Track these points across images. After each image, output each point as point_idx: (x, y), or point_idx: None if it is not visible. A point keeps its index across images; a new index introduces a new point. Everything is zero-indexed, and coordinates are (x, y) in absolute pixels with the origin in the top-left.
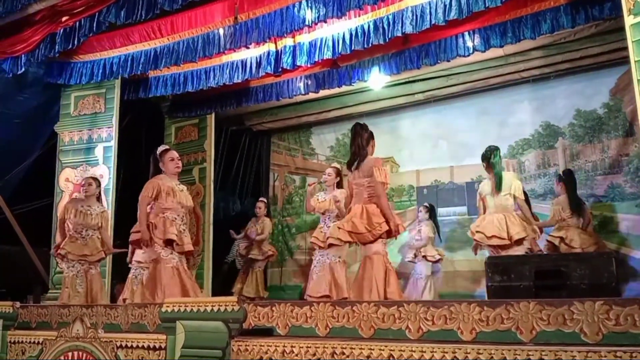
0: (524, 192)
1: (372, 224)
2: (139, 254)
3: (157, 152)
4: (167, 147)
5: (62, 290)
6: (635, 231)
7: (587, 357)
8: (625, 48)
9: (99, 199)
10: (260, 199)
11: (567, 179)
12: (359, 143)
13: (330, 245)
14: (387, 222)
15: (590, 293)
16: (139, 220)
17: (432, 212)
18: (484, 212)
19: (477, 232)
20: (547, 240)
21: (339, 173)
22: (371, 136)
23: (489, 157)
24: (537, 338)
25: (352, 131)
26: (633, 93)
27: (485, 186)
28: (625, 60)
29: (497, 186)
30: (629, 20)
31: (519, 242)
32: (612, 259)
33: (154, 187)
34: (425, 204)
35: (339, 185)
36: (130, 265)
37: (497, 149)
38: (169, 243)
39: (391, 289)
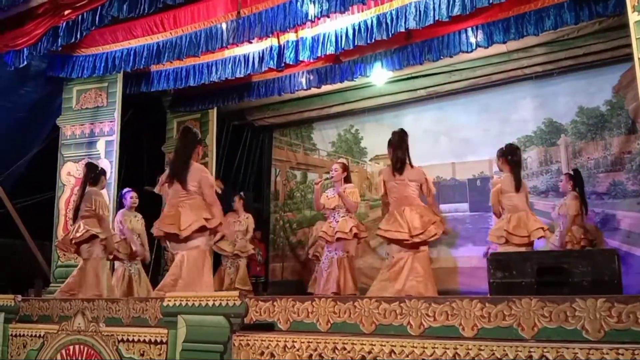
0: None
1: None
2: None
3: (199, 137)
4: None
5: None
6: (637, 228)
7: (589, 354)
8: (629, 45)
9: None
10: (241, 193)
11: (578, 177)
12: (404, 148)
13: (339, 239)
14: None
15: (592, 290)
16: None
17: None
18: (502, 210)
19: (511, 234)
20: (582, 245)
21: (345, 168)
22: None
23: (512, 154)
24: (539, 335)
25: (398, 136)
26: (636, 90)
27: (507, 184)
28: (628, 58)
29: (518, 184)
30: (633, 17)
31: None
32: (614, 256)
33: None
34: None
35: (347, 179)
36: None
37: (518, 147)
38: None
39: None
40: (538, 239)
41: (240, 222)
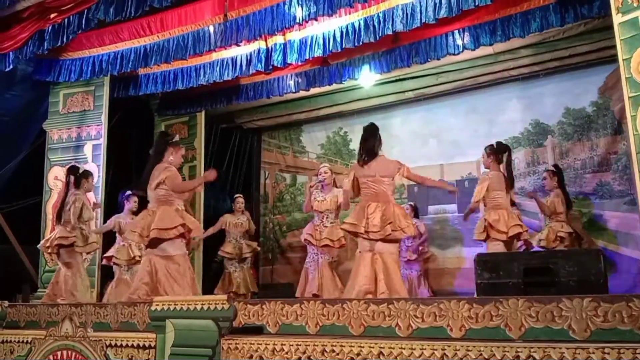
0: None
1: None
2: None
3: (174, 139)
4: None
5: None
6: (623, 228)
7: (575, 353)
8: (614, 46)
9: None
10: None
11: (560, 172)
12: (375, 143)
13: (325, 246)
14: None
15: (579, 290)
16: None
17: (416, 212)
18: (484, 207)
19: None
20: (559, 236)
21: (332, 172)
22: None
23: (504, 152)
24: (526, 335)
25: (370, 130)
26: (621, 91)
27: (496, 183)
28: (613, 59)
29: (510, 184)
30: (617, 18)
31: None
32: (600, 256)
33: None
34: (410, 203)
35: (334, 183)
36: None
37: (509, 146)
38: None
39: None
40: (516, 237)
41: (242, 223)
